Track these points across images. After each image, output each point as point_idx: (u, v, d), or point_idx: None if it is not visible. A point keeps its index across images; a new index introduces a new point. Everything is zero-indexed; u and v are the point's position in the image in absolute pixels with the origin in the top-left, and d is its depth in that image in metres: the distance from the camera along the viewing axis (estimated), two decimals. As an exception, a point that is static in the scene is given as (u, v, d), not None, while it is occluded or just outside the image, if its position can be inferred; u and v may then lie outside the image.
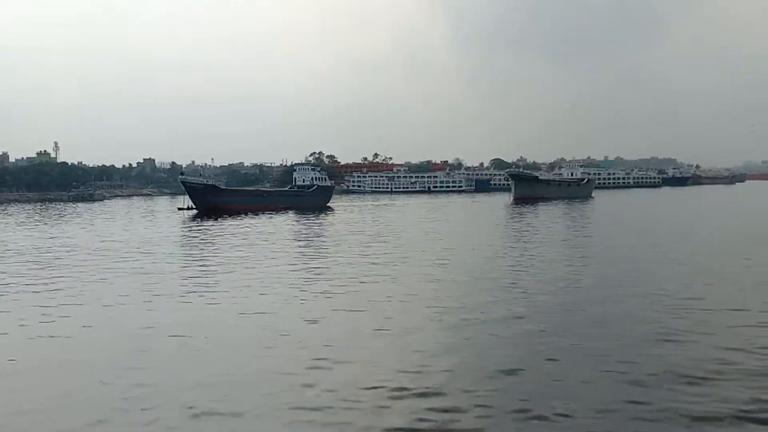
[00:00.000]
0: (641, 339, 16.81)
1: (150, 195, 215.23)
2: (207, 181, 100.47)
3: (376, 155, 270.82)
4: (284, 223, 68.33)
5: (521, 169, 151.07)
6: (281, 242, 45.51)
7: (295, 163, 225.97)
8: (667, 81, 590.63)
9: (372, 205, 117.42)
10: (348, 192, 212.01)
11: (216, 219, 74.51)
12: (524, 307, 20.94)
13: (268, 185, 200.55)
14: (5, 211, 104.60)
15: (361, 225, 63.61)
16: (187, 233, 55.98)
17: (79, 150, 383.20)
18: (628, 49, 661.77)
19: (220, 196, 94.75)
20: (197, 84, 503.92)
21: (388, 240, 45.66)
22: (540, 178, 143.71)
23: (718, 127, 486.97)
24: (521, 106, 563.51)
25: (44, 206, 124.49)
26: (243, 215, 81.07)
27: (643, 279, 26.14)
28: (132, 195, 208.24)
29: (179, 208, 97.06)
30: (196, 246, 44.08)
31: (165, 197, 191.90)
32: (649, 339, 16.77)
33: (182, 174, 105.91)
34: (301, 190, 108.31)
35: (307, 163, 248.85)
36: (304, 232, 56.51)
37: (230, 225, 64.95)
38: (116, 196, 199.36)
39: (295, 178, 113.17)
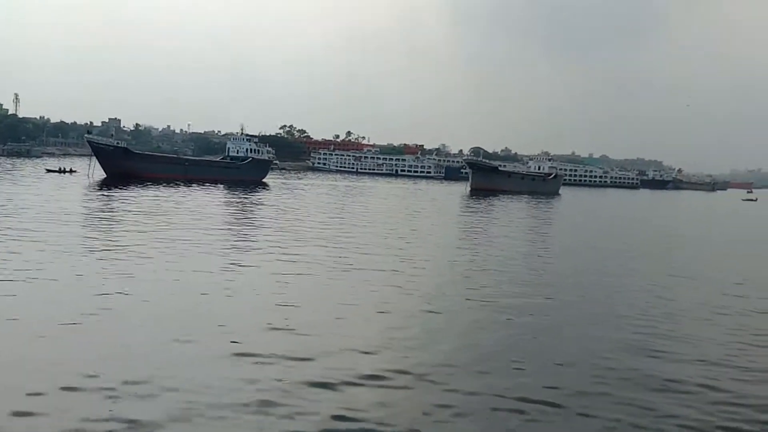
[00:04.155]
0: None
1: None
2: (118, 142, 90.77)
3: (349, 133, 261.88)
4: (184, 197, 59.24)
5: (480, 158, 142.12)
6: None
7: (262, 135, 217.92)
8: (662, 83, 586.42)
9: (316, 184, 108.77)
10: (313, 169, 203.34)
11: (114, 188, 65.22)
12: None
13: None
14: None
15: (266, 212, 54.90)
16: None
17: (49, 106, 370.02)
18: (625, 48, 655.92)
19: (131, 160, 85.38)
20: (184, 49, 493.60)
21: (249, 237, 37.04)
22: (500, 169, 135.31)
23: (707, 132, 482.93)
24: (513, 97, 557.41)
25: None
26: (155, 185, 71.86)
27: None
28: (90, 154, 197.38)
29: (48, 170, 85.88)
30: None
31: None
32: None
33: (89, 133, 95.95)
34: (231, 162, 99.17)
35: (278, 135, 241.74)
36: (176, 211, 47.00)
37: (119, 196, 56.01)
38: (68, 154, 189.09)
39: (228, 149, 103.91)
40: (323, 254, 28.40)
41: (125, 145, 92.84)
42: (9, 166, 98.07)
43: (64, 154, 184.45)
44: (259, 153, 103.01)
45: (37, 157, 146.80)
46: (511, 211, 70.00)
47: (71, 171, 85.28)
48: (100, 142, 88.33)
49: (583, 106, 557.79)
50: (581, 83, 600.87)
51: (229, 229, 37.34)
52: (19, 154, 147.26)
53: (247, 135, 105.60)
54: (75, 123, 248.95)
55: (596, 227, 59.09)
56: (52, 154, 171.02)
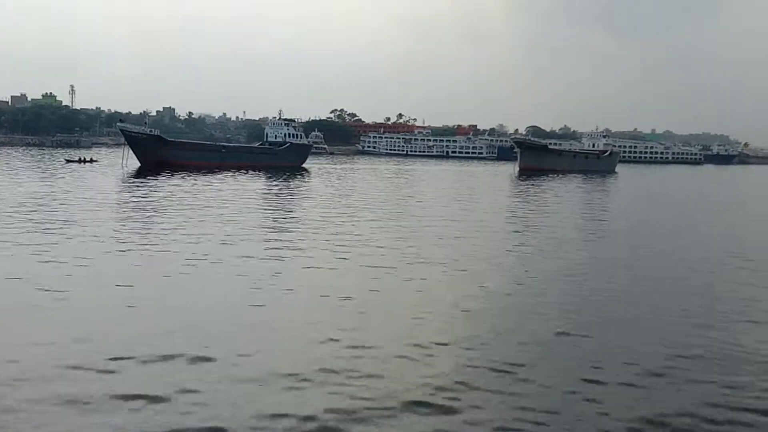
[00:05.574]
0: None
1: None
2: (152, 130, 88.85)
3: (400, 116, 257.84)
4: (212, 187, 56.92)
5: (529, 137, 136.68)
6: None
7: (311, 120, 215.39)
8: (728, 56, 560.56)
9: (357, 168, 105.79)
10: (362, 153, 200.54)
11: (146, 177, 63.64)
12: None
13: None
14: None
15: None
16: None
17: (106, 98, 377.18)
18: (689, 22, 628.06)
19: (165, 149, 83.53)
20: (241, 36, 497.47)
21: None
22: (550, 147, 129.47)
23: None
24: (573, 75, 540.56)
25: (11, 152, 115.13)
26: (191, 174, 70.11)
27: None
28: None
29: (67, 161, 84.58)
30: None
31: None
32: None
33: (122, 121, 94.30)
34: (269, 148, 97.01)
35: (329, 120, 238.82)
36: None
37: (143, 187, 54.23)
38: (120, 144, 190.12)
39: (266, 134, 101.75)
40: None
41: (158, 133, 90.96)
42: (46, 156, 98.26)
43: (116, 144, 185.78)
44: (297, 138, 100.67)
45: (87, 147, 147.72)
46: (559, 194, 65.69)
47: (91, 161, 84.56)
48: (132, 130, 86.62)
49: (644, 82, 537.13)
50: (643, 60, 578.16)
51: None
52: (68, 145, 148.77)
53: (284, 119, 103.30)
54: (130, 113, 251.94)
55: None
56: (104, 144, 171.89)
